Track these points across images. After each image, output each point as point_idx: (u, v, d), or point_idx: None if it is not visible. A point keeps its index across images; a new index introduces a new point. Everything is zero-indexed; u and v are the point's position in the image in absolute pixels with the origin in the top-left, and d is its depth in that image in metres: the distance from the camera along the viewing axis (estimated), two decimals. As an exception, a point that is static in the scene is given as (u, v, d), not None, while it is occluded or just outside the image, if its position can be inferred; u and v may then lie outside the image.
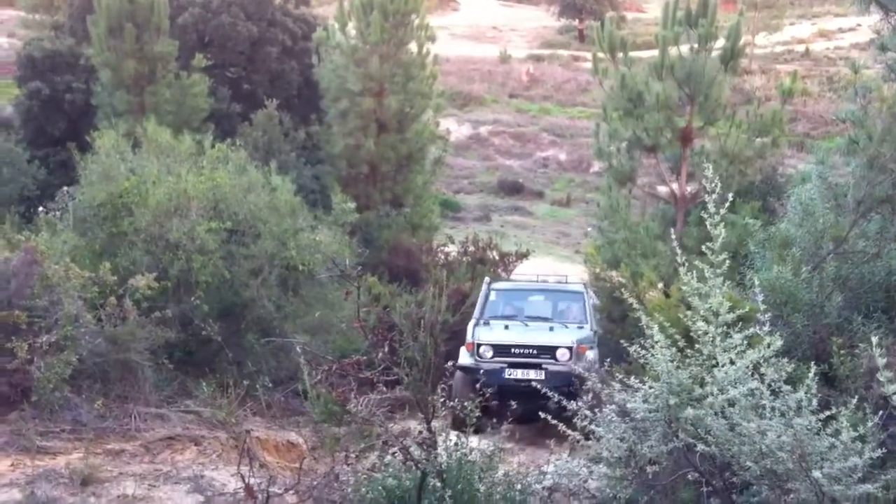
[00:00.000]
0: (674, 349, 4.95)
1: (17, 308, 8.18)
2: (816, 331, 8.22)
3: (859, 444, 4.55)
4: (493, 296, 12.42)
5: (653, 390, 4.84)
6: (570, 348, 10.97)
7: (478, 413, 5.77)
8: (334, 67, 17.85)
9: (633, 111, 16.05)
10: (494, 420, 8.15)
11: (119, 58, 16.95)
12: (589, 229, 23.64)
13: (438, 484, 5.16)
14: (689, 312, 5.00)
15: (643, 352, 5.01)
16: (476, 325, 11.67)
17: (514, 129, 38.69)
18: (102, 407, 8.02)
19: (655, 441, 4.78)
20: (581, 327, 11.72)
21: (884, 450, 4.63)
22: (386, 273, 15.31)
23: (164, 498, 6.20)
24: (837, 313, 8.57)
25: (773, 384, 4.73)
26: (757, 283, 5.18)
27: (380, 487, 5.31)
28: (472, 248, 17.49)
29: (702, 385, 4.79)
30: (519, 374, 10.72)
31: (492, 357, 11.06)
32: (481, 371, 10.55)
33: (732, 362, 4.76)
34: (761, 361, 4.81)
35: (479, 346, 11.17)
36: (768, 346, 4.82)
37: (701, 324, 4.87)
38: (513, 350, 11.12)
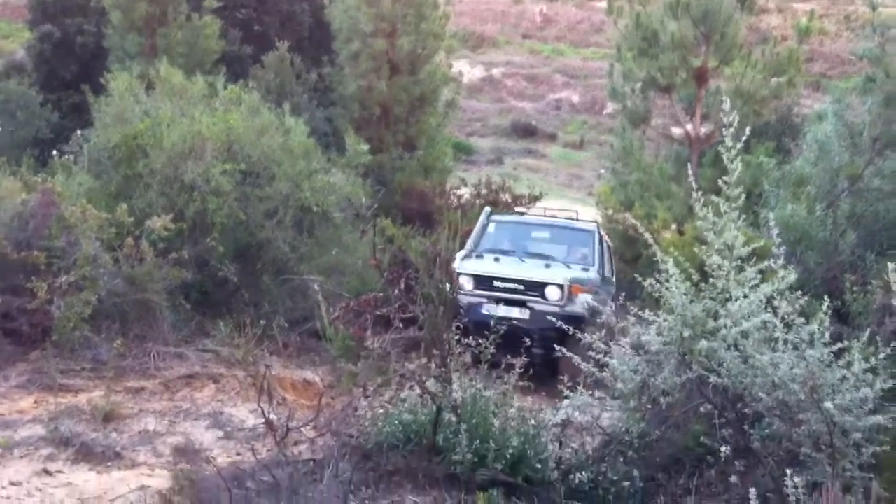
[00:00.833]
0: (688, 283, 4.98)
1: (36, 249, 8.26)
2: (830, 268, 8.26)
3: (870, 375, 4.61)
4: (491, 227, 11.29)
5: (667, 323, 4.88)
6: (561, 287, 9.70)
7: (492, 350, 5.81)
8: (346, 8, 17.69)
9: (648, 51, 15.92)
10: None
11: (130, 0, 16.85)
12: (602, 171, 23.55)
13: (453, 418, 5.26)
14: (703, 247, 5.03)
15: (657, 286, 5.05)
16: (466, 256, 10.49)
17: (526, 70, 38.37)
18: (122, 346, 8.11)
19: (668, 373, 4.83)
20: (586, 269, 10.54)
21: (894, 382, 4.68)
22: (399, 215, 15.33)
23: (184, 433, 6.31)
24: (851, 251, 8.61)
25: (786, 317, 4.77)
26: (772, 216, 5.18)
27: (396, 422, 5.41)
28: (484, 191, 17.50)
29: (715, 318, 4.83)
30: (499, 310, 9.26)
31: (472, 290, 9.82)
32: (461, 306, 9.34)
33: (746, 296, 4.79)
34: (775, 295, 4.85)
35: (458, 276, 9.77)
36: (782, 280, 4.85)
37: (715, 257, 4.90)
38: (495, 283, 9.84)
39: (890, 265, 4.93)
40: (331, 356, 6.38)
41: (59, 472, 5.24)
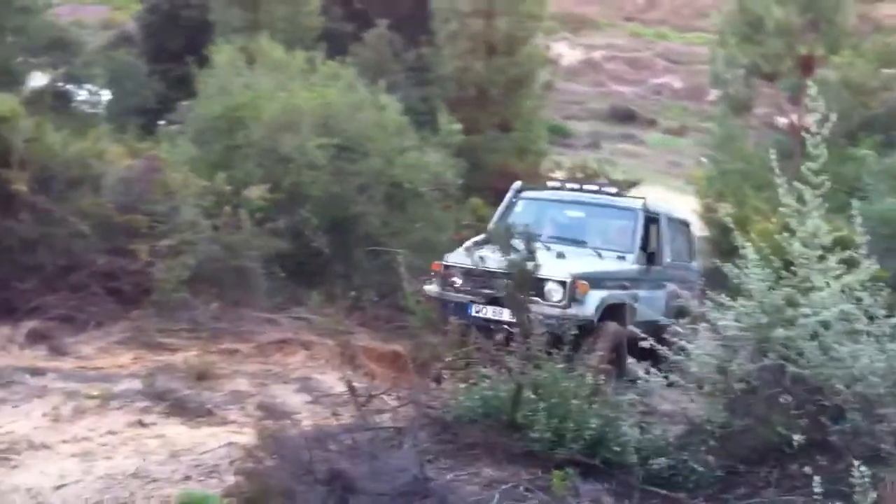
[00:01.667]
0: (768, 270, 4.90)
1: (139, 213, 8.61)
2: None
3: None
4: (519, 206, 9.66)
5: (744, 309, 4.81)
6: (562, 284, 7.95)
7: None
8: (446, -13, 17.75)
9: (753, 37, 15.51)
10: None
11: (235, -26, 17.27)
12: (702, 159, 23.10)
13: (533, 396, 5.29)
14: (786, 234, 4.94)
15: (736, 271, 4.98)
16: (479, 241, 8.77)
17: (628, 54, 37.79)
18: (217, 309, 8.43)
19: (744, 359, 4.76)
20: (622, 257, 8.91)
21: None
22: (492, 196, 15.36)
23: (274, 395, 6.53)
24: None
25: (869, 309, 4.66)
26: (855, 205, 5.04)
27: (477, 396, 5.48)
28: (579, 175, 17.38)
29: (795, 307, 4.74)
30: (490, 312, 7.92)
31: (461, 286, 8.31)
32: (450, 304, 8.16)
33: (828, 285, 4.70)
34: (858, 286, 4.74)
35: (446, 268, 8.45)
36: (865, 270, 4.74)
37: (797, 245, 4.80)
38: (486, 279, 8.06)
39: None
40: (415, 329, 6.48)
41: (153, 424, 5.50)
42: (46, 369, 6.48)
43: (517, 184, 10.05)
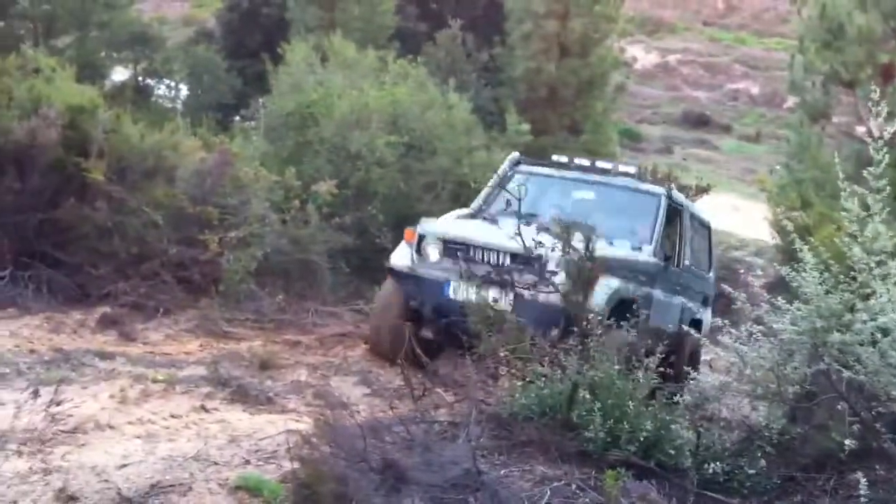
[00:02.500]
0: (826, 273, 4.81)
1: (211, 204, 8.81)
2: None
3: None
4: (516, 181, 8.03)
5: (800, 312, 4.73)
6: None
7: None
8: (520, -12, 17.77)
9: (832, 43, 15.14)
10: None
11: (312, -26, 17.56)
12: (777, 167, 22.67)
13: (588, 396, 5.28)
14: (846, 239, 4.85)
15: (793, 274, 4.91)
16: (461, 217, 7.77)
17: (704, 58, 37.24)
18: (283, 301, 8.59)
19: (799, 363, 4.69)
20: (637, 249, 7.40)
21: None
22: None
23: (334, 387, 6.63)
24: None
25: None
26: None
27: (532, 394, 5.49)
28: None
29: (852, 312, 4.65)
30: (470, 292, 6.57)
31: (438, 260, 7.02)
32: (420, 280, 7.00)
33: (888, 291, 4.60)
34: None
35: (421, 238, 7.11)
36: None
37: (856, 250, 4.71)
38: (471, 254, 6.83)
39: None
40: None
41: (215, 409, 5.62)
42: (115, 353, 6.67)
43: (514, 154, 8.71)
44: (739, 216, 20.22)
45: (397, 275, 7.29)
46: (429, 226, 7.17)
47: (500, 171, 8.42)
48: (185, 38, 22.52)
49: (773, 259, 13.69)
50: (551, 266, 6.40)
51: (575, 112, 18.36)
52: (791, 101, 24.52)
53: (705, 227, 9.47)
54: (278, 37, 17.70)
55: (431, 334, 7.19)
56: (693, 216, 8.82)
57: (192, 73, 18.18)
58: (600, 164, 8.39)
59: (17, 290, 7.69)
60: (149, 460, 4.53)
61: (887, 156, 4.76)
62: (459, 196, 11.12)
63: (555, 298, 6.26)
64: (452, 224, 7.25)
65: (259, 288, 8.71)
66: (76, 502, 3.96)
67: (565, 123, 18.22)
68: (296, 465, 4.34)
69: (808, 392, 4.80)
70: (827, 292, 4.69)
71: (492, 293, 6.52)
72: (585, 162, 8.38)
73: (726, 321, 5.26)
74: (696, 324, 8.44)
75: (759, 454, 5.02)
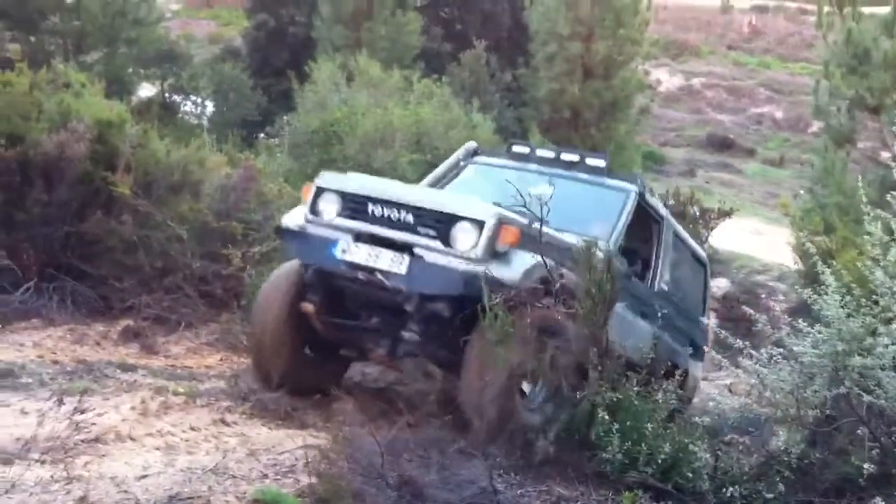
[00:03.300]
0: (848, 297, 4.80)
1: (234, 220, 8.88)
2: None
3: None
4: (468, 172, 7.42)
5: (821, 335, 4.71)
6: (480, 224, 5.46)
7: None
8: (545, 10, 17.87)
9: (858, 69, 15.13)
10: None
11: (340, -7, 17.77)
12: (801, 191, 22.58)
13: (607, 417, 5.27)
14: (868, 263, 4.84)
15: (814, 297, 4.89)
16: None
17: (728, 82, 37.11)
18: (304, 317, 8.60)
19: (819, 387, 4.67)
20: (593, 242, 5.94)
21: None
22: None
23: (354, 402, 6.63)
24: None
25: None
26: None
27: (549, 413, 5.49)
28: (671, 202, 17.16)
29: (874, 336, 4.63)
30: (363, 254, 5.65)
31: (334, 218, 5.93)
32: (307, 239, 6.00)
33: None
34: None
35: (319, 192, 6.03)
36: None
37: (879, 273, 4.69)
38: (373, 210, 5.77)
39: None
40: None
41: (235, 423, 5.65)
42: (137, 366, 6.73)
43: (471, 144, 7.90)
44: (762, 240, 20.10)
45: (284, 235, 6.27)
46: (327, 178, 6.16)
47: (451, 160, 7.61)
48: (211, 55, 22.78)
49: (795, 284, 13.58)
50: (462, 229, 5.49)
51: (598, 133, 18.41)
52: (815, 125, 24.45)
53: (701, 263, 8.69)
54: (304, 55, 17.92)
55: (312, 307, 6.10)
56: (679, 236, 7.99)
57: (217, 90, 18.39)
58: (566, 156, 7.37)
59: (41, 302, 7.78)
60: (168, 472, 4.57)
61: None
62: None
63: (457, 263, 5.40)
64: (355, 177, 6.33)
65: (280, 303, 8.74)
66: (96, 512, 4.00)
67: (588, 144, 18.24)
68: (313, 479, 4.37)
69: (828, 416, 4.77)
70: (848, 316, 4.68)
71: (386, 254, 5.61)
72: (549, 154, 7.48)
73: (747, 343, 5.24)
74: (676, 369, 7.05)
75: (778, 478, 4.99)
